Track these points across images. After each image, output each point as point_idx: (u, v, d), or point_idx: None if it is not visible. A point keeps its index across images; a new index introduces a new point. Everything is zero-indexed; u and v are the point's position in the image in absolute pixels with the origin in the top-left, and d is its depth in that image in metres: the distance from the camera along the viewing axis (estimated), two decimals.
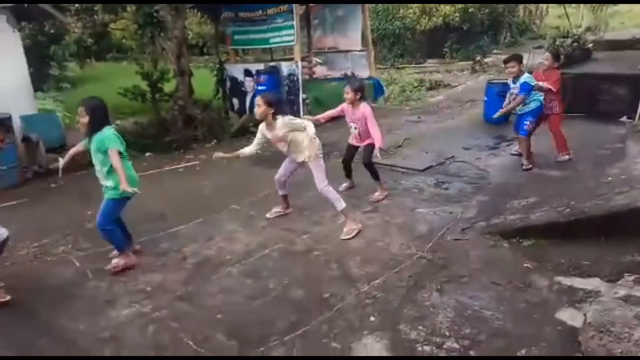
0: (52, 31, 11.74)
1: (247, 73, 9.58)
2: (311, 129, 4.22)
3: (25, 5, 7.05)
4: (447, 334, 2.95)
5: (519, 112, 5.90)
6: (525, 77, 5.67)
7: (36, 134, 6.90)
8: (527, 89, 5.65)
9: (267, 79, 8.88)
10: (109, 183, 3.77)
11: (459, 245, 4.10)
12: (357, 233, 4.37)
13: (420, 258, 3.91)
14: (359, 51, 11.37)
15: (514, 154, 6.38)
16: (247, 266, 3.91)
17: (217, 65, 10.18)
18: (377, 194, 5.23)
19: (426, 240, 4.19)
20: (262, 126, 4.48)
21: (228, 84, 10.08)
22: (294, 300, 3.43)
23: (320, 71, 11.48)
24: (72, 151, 4.10)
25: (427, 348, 2.83)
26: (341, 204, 4.43)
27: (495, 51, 17.68)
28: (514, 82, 5.80)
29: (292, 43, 9.21)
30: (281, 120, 4.31)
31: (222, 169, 6.49)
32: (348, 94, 4.86)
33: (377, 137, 4.78)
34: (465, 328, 2.98)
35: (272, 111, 4.28)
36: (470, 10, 17.41)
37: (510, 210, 4.54)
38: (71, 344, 3.09)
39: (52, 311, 3.44)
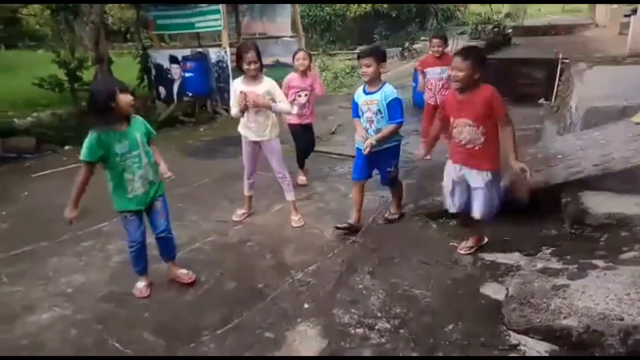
0: None
1: (173, 60, 9.18)
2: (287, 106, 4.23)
3: None
4: (379, 314, 2.99)
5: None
6: (390, 88, 3.82)
7: None
8: (399, 111, 3.79)
9: (194, 65, 8.57)
10: None
11: (389, 228, 4.19)
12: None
13: (353, 242, 3.95)
14: (290, 37, 11.24)
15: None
16: (177, 261, 3.77)
17: (140, 52, 9.69)
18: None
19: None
20: (240, 81, 4.18)
21: (153, 71, 9.63)
22: (227, 293, 3.36)
23: None
24: None
25: (359, 330, 2.86)
26: (293, 193, 4.42)
27: (422, 38, 18.13)
28: (369, 93, 3.83)
29: (219, 28, 8.93)
30: (267, 79, 4.16)
31: None
32: None
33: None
34: (396, 308, 3.04)
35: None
36: None
37: (436, 192, 4.65)
38: None
39: None
